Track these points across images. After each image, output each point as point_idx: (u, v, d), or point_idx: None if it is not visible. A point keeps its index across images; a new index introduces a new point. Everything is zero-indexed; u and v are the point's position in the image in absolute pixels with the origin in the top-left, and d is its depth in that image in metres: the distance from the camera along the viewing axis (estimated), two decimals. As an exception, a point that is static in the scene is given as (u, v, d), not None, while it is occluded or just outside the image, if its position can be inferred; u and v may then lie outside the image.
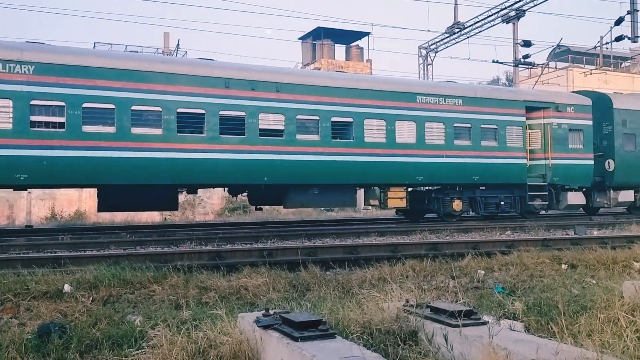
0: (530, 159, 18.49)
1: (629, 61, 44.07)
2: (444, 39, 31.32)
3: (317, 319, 3.79)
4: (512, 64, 28.94)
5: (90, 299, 5.86)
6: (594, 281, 6.83)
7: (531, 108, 18.54)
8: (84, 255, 8.43)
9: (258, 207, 17.53)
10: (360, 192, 17.34)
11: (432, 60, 32.28)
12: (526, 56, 28.07)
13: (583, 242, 10.44)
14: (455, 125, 17.10)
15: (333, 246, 9.81)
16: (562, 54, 40.06)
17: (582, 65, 40.16)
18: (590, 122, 19.42)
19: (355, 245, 9.85)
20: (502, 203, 17.93)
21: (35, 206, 25.65)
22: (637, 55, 40.29)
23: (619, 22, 25.12)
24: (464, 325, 3.74)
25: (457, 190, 17.66)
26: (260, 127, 14.37)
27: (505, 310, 5.62)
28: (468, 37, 30.18)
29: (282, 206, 16.83)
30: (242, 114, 14.17)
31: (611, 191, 19.88)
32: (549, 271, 7.67)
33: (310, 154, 14.91)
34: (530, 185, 18.23)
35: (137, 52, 18.52)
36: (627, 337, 3.85)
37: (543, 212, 19.48)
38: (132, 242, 11.08)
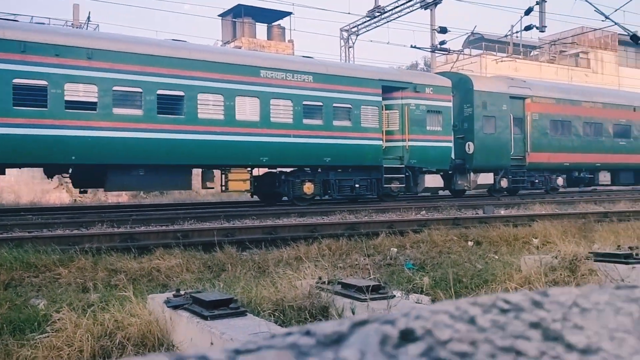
0: (388, 141, 17.89)
1: (537, 50, 46.49)
2: (365, 22, 31.68)
3: (228, 297, 3.81)
4: (429, 50, 29.75)
5: (-10, 283, 5.55)
6: (496, 256, 7.24)
7: (389, 88, 17.78)
8: (-16, 238, 7.95)
9: (82, 190, 15.97)
10: (199, 174, 16.08)
11: (354, 43, 32.62)
12: (442, 42, 28.94)
13: (490, 220, 11.03)
14: (305, 103, 16.06)
15: (251, 227, 9.80)
16: (476, 41, 41.69)
17: (494, 53, 41.94)
18: (449, 104, 19.02)
19: (274, 226, 9.90)
20: (358, 186, 17.17)
21: None
22: (545, 44, 42.55)
23: (528, 12, 26.33)
24: (372, 299, 3.89)
25: (309, 172, 16.69)
26: (67, 98, 12.78)
27: (415, 284, 5.87)
28: (388, 22, 30.69)
29: (103, 189, 15.38)
30: (44, 83, 12.57)
31: (471, 174, 19.60)
32: (456, 248, 8.05)
33: (131, 130, 13.41)
34: (388, 168, 17.60)
35: (43, 23, 17.44)
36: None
37: (401, 194, 18.98)
38: (39, 225, 10.55)
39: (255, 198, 18.44)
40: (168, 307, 3.89)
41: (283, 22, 41.74)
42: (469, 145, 19.35)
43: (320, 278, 4.89)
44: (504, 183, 20.27)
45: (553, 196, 20.02)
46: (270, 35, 42.59)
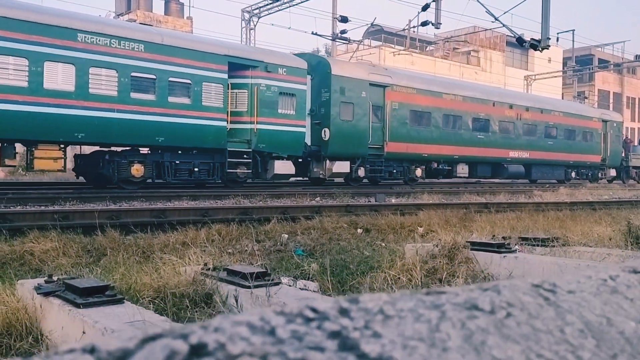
0: (234, 122, 16.71)
1: (432, 45, 48.50)
2: (267, 4, 31.40)
3: (104, 284, 3.65)
4: (330, 38, 30.06)
5: None
6: (383, 244, 7.50)
7: (236, 65, 16.47)
8: None
9: None
10: None
11: (255, 26, 32.23)
12: (343, 31, 29.34)
13: (381, 208, 11.39)
14: (134, 74, 14.45)
15: (139, 209, 9.44)
16: (376, 32, 42.74)
17: (393, 46, 43.21)
18: (305, 87, 18.08)
19: (163, 209, 9.61)
20: (197, 170, 15.87)
21: None
22: (440, 40, 44.47)
23: (425, 8, 27.20)
24: (256, 286, 3.88)
25: (139, 152, 15.29)
26: None
27: (303, 271, 5.95)
28: (290, 6, 30.62)
29: None
30: None
31: (327, 161, 18.80)
32: (346, 235, 8.24)
33: None
34: (233, 151, 16.38)
35: None
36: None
37: (249, 180, 17.79)
38: None
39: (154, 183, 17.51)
40: (38, 293, 3.68)
41: (183, -2, 40.43)
42: (324, 131, 18.64)
43: (206, 264, 4.81)
44: (361, 172, 19.73)
45: (441, 187, 21.01)
46: (168, 10, 41.08)
